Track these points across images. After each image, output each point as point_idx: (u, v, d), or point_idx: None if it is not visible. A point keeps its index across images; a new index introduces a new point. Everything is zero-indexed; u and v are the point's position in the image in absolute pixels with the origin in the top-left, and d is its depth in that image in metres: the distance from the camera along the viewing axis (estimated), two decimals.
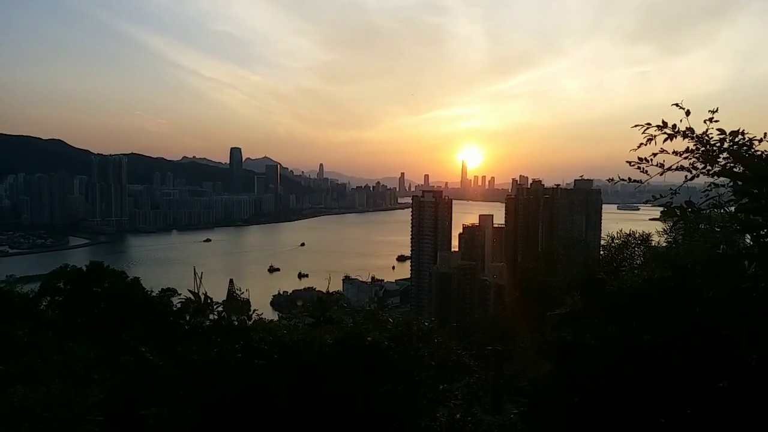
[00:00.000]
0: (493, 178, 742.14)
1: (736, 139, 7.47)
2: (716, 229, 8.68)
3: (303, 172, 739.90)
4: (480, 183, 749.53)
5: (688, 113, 7.48)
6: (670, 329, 8.32)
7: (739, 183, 7.27)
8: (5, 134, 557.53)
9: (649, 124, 7.55)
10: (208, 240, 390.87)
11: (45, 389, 10.83)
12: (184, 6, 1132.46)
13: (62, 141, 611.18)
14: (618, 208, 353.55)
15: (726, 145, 7.49)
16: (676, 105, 7.50)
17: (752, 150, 7.49)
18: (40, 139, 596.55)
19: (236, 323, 14.66)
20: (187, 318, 17.16)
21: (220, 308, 15.71)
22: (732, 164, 7.33)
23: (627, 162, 7.92)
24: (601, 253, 16.09)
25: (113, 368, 14.45)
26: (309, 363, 11.17)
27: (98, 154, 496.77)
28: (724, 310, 7.79)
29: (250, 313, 15.07)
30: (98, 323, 22.49)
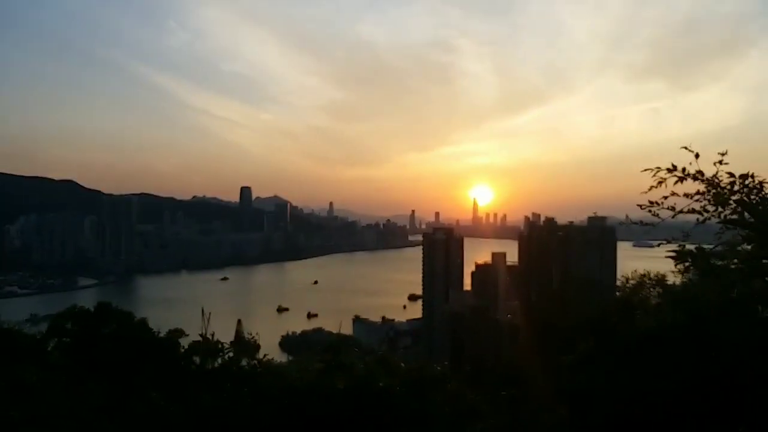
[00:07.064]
0: (504, 215, 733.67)
1: (746, 182, 7.46)
2: (731, 267, 8.57)
3: (313, 209, 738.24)
4: (492, 220, 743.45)
5: (697, 156, 7.50)
6: (685, 375, 8.16)
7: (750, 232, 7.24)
8: (19, 175, 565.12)
9: (659, 168, 7.57)
10: (225, 279, 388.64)
11: None
12: (195, 47, 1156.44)
13: (74, 181, 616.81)
14: (633, 245, 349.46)
15: (736, 187, 7.48)
16: (685, 148, 7.54)
17: (762, 192, 7.47)
18: (53, 180, 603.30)
19: (246, 368, 14.55)
20: (197, 361, 17.02)
21: (230, 353, 15.60)
22: (742, 211, 7.33)
23: (638, 205, 7.94)
24: (616, 293, 15.94)
25: (122, 414, 14.29)
26: (320, 410, 11.04)
27: (109, 194, 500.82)
28: (740, 355, 7.67)
29: (261, 358, 14.93)
30: (104, 365, 22.32)
